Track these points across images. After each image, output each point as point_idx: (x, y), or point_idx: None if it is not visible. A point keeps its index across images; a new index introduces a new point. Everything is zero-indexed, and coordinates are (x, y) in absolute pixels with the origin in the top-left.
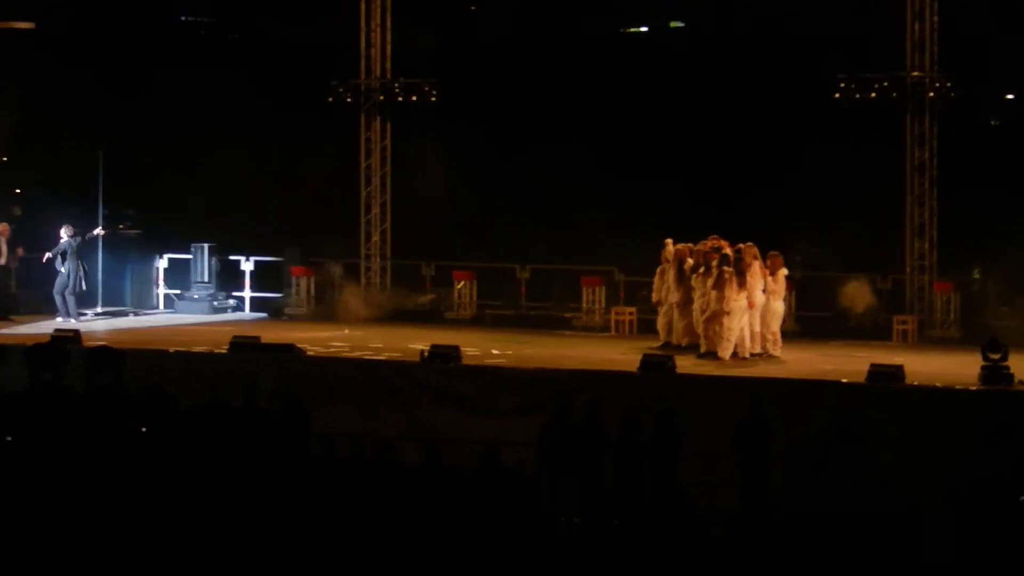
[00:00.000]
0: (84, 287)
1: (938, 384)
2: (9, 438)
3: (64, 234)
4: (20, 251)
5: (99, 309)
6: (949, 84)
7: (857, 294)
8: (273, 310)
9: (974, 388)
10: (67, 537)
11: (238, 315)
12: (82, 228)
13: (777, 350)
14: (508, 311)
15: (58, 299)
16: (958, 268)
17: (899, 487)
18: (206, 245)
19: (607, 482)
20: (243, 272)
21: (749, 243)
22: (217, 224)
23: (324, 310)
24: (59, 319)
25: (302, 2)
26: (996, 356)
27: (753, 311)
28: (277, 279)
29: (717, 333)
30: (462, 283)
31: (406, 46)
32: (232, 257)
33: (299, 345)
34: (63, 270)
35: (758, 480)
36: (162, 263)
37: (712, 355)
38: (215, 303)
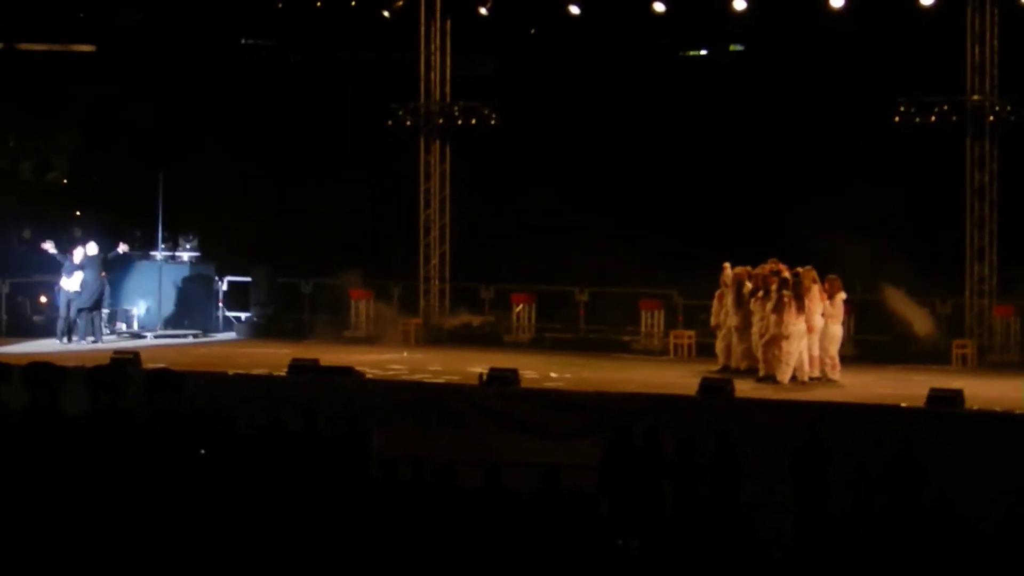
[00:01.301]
0: (107, 305)
1: (998, 409)
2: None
3: (88, 251)
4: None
5: (159, 331)
6: (1009, 108)
7: (916, 318)
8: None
9: None
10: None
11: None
12: (108, 246)
13: (836, 374)
14: (567, 334)
15: (83, 317)
16: (1018, 292)
17: (958, 512)
18: (266, 267)
19: (666, 506)
20: (303, 295)
21: (808, 267)
22: (277, 246)
23: (383, 333)
24: (89, 338)
25: (363, 26)
26: None
27: (812, 335)
28: (337, 302)
29: (776, 357)
30: (520, 306)
31: (465, 69)
32: (292, 279)
33: (358, 368)
34: (68, 279)
35: (817, 504)
36: (222, 285)
37: (771, 379)
38: (274, 325)
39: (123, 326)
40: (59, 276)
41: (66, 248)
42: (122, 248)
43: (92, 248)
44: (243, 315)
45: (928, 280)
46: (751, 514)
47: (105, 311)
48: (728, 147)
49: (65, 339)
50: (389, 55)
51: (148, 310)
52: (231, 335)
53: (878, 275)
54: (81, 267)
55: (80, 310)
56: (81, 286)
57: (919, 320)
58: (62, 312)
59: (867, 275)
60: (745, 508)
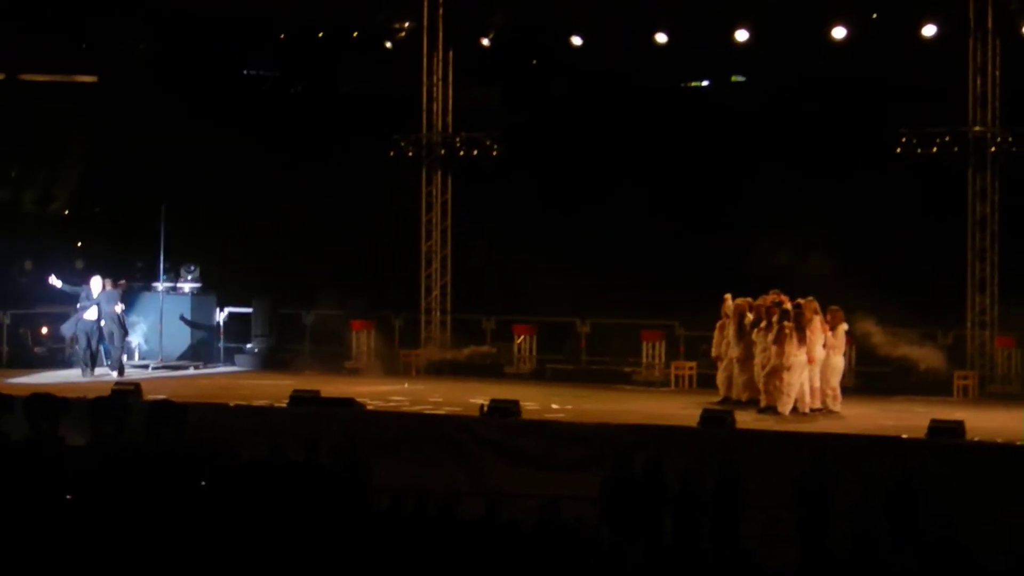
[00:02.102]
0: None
1: (999, 440)
2: (70, 497)
3: (105, 286)
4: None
5: (159, 362)
6: (1011, 139)
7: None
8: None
9: None
10: None
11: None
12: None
13: (837, 405)
14: (568, 365)
15: (103, 350)
16: (1020, 323)
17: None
18: (267, 298)
19: (668, 537)
20: (304, 326)
21: (810, 298)
22: (278, 277)
23: (384, 364)
24: (114, 373)
25: (365, 56)
26: None
27: (813, 366)
28: (337, 333)
29: (777, 388)
30: (522, 337)
31: (468, 101)
32: (293, 310)
33: (359, 399)
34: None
35: (819, 536)
36: (222, 316)
37: (772, 410)
38: (275, 357)
39: (124, 357)
40: (65, 307)
41: (76, 280)
42: (121, 283)
43: (107, 283)
44: (244, 346)
45: (928, 311)
46: (753, 545)
47: (130, 339)
48: (730, 178)
49: (88, 370)
50: (391, 86)
51: (149, 341)
52: (232, 366)
53: (877, 309)
54: (99, 300)
55: (101, 343)
56: (102, 318)
57: (928, 357)
58: (82, 343)
59: (864, 310)
60: (747, 540)
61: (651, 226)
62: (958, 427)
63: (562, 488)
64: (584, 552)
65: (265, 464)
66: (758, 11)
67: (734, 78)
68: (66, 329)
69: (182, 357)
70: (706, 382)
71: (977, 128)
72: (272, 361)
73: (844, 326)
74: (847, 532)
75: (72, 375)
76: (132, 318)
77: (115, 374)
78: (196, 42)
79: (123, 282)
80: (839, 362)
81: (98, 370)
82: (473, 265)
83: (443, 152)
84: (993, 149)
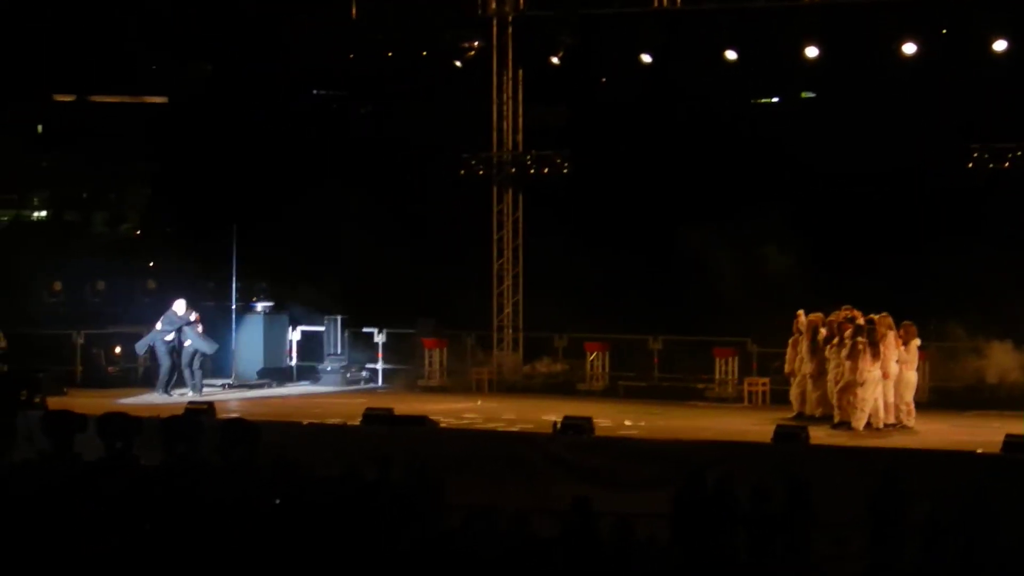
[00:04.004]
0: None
1: None
2: (148, 526)
3: (177, 310)
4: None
5: (232, 381)
6: None
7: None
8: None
9: None
10: None
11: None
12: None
13: (911, 420)
14: (640, 382)
15: (186, 372)
16: None
17: None
18: (339, 317)
19: (740, 554)
20: (376, 344)
21: (884, 313)
22: (349, 296)
23: (456, 382)
24: (190, 392)
25: (434, 75)
26: None
27: (887, 381)
28: (410, 351)
29: (851, 404)
30: (594, 354)
31: (537, 119)
32: (365, 329)
33: (432, 417)
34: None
35: (891, 553)
36: (295, 335)
37: (846, 426)
38: (348, 375)
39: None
40: (139, 327)
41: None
42: (193, 316)
43: (189, 309)
44: (317, 365)
45: (1006, 324)
46: (825, 563)
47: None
48: (801, 193)
49: (165, 392)
50: (460, 105)
51: (222, 361)
52: (305, 385)
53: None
54: (180, 324)
55: (184, 363)
56: (183, 339)
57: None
58: (165, 364)
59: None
60: (818, 557)
61: (722, 241)
62: None
63: (635, 505)
64: (657, 570)
65: (338, 482)
66: (828, 27)
67: (804, 94)
68: (139, 347)
69: (255, 376)
70: (779, 398)
71: None
72: (344, 380)
73: (917, 341)
74: (919, 548)
75: (151, 397)
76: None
77: (191, 393)
78: (264, 63)
79: (197, 315)
80: (912, 377)
81: (176, 391)
82: (545, 283)
83: (513, 170)
84: None
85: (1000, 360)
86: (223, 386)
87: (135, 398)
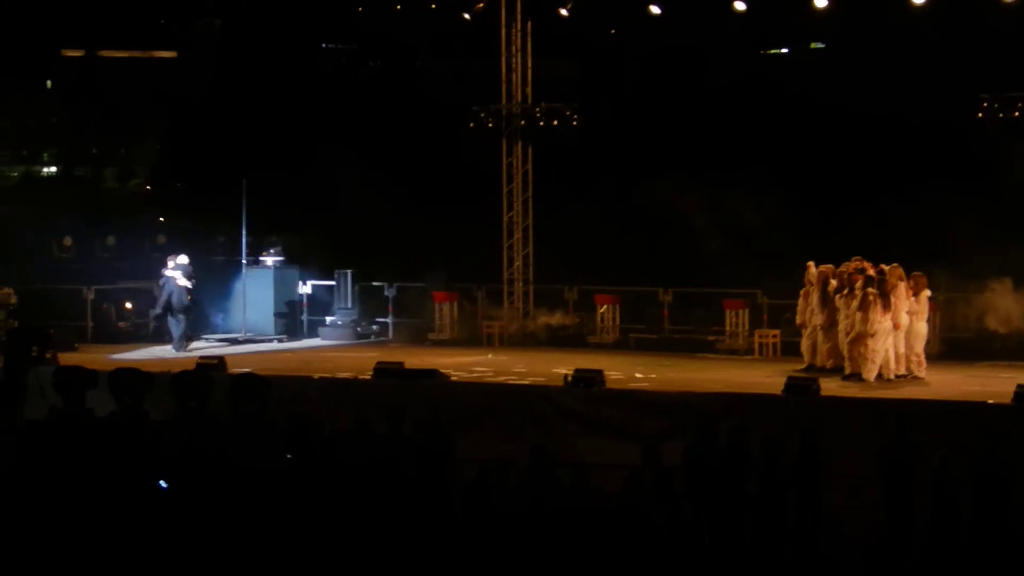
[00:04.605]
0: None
1: None
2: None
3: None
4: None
5: (243, 336)
6: None
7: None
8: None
9: None
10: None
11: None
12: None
13: (922, 371)
14: (651, 335)
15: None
16: None
17: None
18: (349, 271)
19: (752, 505)
20: (386, 298)
21: (894, 264)
22: (359, 250)
23: (467, 335)
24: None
25: (443, 29)
26: None
27: (898, 332)
28: (420, 305)
29: (862, 355)
30: (605, 307)
31: (547, 71)
32: (375, 283)
33: (443, 370)
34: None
35: (905, 504)
36: (305, 289)
37: (857, 377)
38: (359, 329)
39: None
40: (148, 282)
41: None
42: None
43: (183, 258)
44: (327, 319)
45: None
46: (838, 514)
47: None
48: (810, 144)
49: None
50: (469, 58)
51: (232, 315)
52: (315, 339)
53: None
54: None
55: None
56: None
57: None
58: (184, 320)
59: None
60: (831, 507)
61: (731, 193)
62: None
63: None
64: (668, 520)
65: (349, 436)
66: None
67: (813, 45)
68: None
69: (265, 331)
70: (790, 350)
71: None
72: (355, 334)
73: (927, 292)
74: (931, 499)
75: (163, 351)
76: (213, 292)
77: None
78: (273, 17)
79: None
80: (923, 328)
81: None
82: (555, 235)
83: (523, 123)
84: None
85: (1005, 305)
86: (232, 340)
87: (144, 351)
